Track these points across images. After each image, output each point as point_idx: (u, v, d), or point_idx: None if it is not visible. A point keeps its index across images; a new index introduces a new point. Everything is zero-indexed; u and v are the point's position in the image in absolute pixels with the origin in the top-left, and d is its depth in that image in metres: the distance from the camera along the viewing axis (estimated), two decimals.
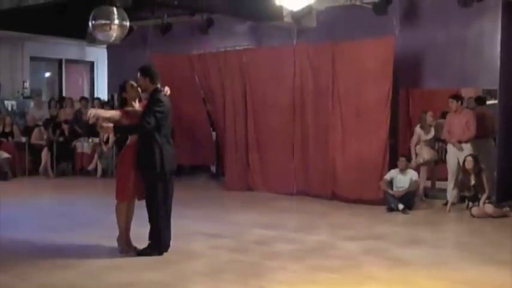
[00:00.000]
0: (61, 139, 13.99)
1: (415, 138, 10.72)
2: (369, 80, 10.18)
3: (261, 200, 10.76)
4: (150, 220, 6.76)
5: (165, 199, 6.77)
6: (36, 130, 14.00)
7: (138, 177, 6.73)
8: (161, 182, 6.70)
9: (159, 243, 6.78)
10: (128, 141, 6.90)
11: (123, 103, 6.86)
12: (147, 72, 6.81)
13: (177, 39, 13.09)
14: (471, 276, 6.18)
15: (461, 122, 9.93)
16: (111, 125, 6.65)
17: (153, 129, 6.60)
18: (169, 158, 6.72)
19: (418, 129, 10.69)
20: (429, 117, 10.69)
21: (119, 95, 7.03)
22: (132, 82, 6.86)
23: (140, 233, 6.88)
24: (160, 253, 6.76)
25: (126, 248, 6.89)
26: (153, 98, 6.70)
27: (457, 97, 10.16)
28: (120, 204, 6.84)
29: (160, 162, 6.62)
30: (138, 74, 6.81)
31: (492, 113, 10.41)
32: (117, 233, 6.92)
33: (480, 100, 11.14)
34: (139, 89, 6.84)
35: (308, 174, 10.94)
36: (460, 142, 9.90)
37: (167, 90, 6.91)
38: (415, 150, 10.65)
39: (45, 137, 13.95)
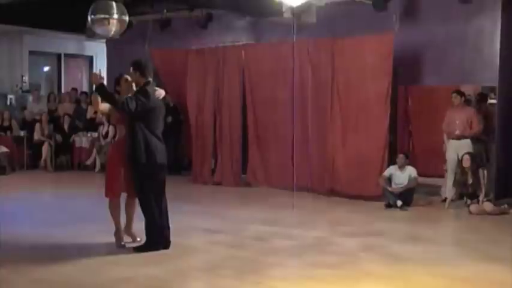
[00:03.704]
0: (60, 133, 14.02)
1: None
2: (368, 76, 10.18)
3: (260, 196, 10.76)
4: (144, 216, 6.76)
5: (156, 194, 6.72)
6: (37, 126, 14.00)
7: (128, 174, 6.72)
8: (148, 175, 6.64)
9: (154, 239, 6.76)
10: (116, 138, 6.90)
11: None
12: (138, 66, 6.76)
13: (176, 34, 13.08)
14: (470, 273, 6.17)
15: (462, 118, 9.88)
16: (103, 80, 6.60)
17: (137, 121, 6.55)
18: (155, 151, 6.63)
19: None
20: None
21: (114, 89, 7.04)
22: (127, 76, 6.86)
23: (139, 228, 6.89)
24: (156, 248, 6.73)
25: (122, 243, 6.90)
26: (141, 89, 6.68)
27: (461, 92, 10.11)
28: (111, 202, 6.85)
29: (146, 154, 6.57)
30: (131, 68, 6.80)
31: (492, 110, 10.39)
32: (114, 228, 6.93)
33: (481, 97, 11.11)
34: (133, 84, 6.83)
35: (307, 170, 10.93)
36: (460, 138, 9.86)
37: (160, 93, 6.88)
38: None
39: (46, 132, 13.96)
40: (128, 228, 7.00)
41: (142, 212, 6.76)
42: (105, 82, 6.84)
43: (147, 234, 6.77)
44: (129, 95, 6.77)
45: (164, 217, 6.81)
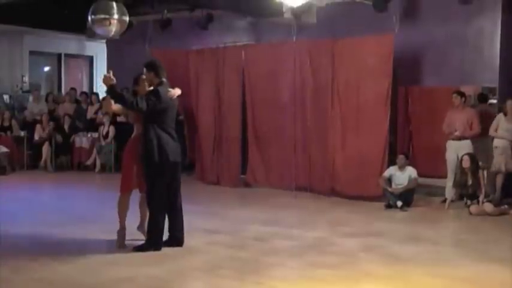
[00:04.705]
0: (60, 134, 14.04)
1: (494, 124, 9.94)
2: (368, 77, 10.18)
3: (260, 196, 10.76)
4: (149, 213, 6.79)
5: (166, 192, 6.75)
6: (38, 126, 14.01)
7: (140, 171, 6.77)
8: (159, 172, 6.67)
9: (155, 239, 6.77)
10: (133, 135, 6.95)
11: (134, 96, 6.90)
12: (151, 66, 6.86)
13: (176, 34, 13.10)
14: (470, 273, 6.17)
15: (462, 119, 9.87)
16: (114, 81, 6.61)
17: (150, 120, 6.61)
18: (166, 148, 6.66)
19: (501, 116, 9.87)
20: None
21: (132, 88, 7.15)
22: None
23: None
24: (156, 249, 6.74)
25: (124, 243, 6.90)
26: (153, 89, 6.74)
27: (461, 93, 10.10)
28: (122, 197, 6.88)
29: (158, 152, 6.60)
30: (144, 70, 6.87)
31: (492, 111, 10.38)
32: (117, 227, 6.92)
33: (482, 98, 11.10)
34: (147, 84, 6.89)
35: (307, 171, 10.93)
36: (461, 139, 9.84)
37: (174, 93, 6.89)
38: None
39: (46, 132, 13.96)
40: (142, 226, 7.04)
41: (148, 210, 6.78)
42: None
43: (148, 234, 6.80)
44: None
45: (179, 215, 6.92)
